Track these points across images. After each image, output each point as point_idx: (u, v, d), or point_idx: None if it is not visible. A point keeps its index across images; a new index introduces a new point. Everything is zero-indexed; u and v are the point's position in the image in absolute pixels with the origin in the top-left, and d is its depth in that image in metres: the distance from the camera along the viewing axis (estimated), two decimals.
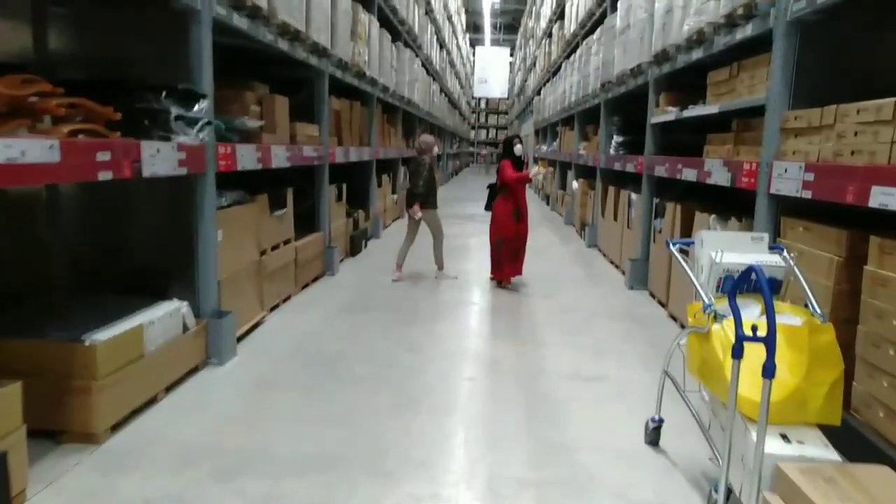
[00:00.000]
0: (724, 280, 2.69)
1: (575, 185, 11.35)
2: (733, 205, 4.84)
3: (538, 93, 20.68)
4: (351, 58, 7.53)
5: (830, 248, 3.05)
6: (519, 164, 6.37)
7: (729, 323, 2.34)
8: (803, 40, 3.54)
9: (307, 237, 6.31)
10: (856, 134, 2.86)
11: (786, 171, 3.43)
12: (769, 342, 2.07)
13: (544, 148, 18.02)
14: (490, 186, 6.56)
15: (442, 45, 20.16)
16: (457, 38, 26.45)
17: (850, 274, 2.94)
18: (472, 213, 13.67)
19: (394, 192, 11.85)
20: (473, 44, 40.37)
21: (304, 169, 6.39)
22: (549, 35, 18.03)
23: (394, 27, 10.74)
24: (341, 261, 7.58)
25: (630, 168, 6.81)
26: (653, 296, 6.21)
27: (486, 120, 45.90)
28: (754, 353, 2.14)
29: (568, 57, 13.16)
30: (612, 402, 3.66)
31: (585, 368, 4.19)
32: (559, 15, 15.66)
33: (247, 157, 4.38)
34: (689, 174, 4.95)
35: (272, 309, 5.35)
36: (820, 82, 3.59)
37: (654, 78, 6.28)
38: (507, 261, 6.40)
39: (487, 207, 6.54)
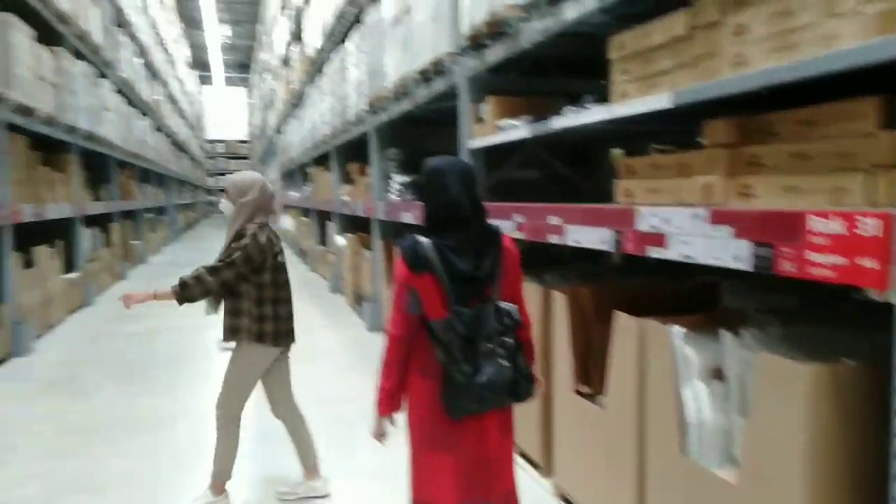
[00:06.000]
0: None
1: (340, 241, 8.60)
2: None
3: (279, 131, 17.74)
4: None
5: None
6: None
7: None
8: None
9: None
10: None
11: None
12: None
13: (294, 195, 15.06)
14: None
15: (154, 73, 16.17)
16: (177, 71, 22.34)
17: None
18: None
19: (71, 269, 7.88)
20: (204, 82, 35.95)
21: None
22: (287, 62, 15.30)
23: (44, 23, 7.00)
24: None
25: None
26: None
27: (227, 165, 41.31)
28: None
29: (314, 80, 10.51)
30: None
31: None
32: (296, 35, 13.02)
33: None
34: (590, 238, 2.48)
35: None
36: None
37: (472, 75, 3.83)
38: None
39: None
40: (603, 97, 2.58)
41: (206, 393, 4.63)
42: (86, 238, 8.64)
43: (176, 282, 2.65)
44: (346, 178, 8.59)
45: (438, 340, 1.90)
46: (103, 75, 9.94)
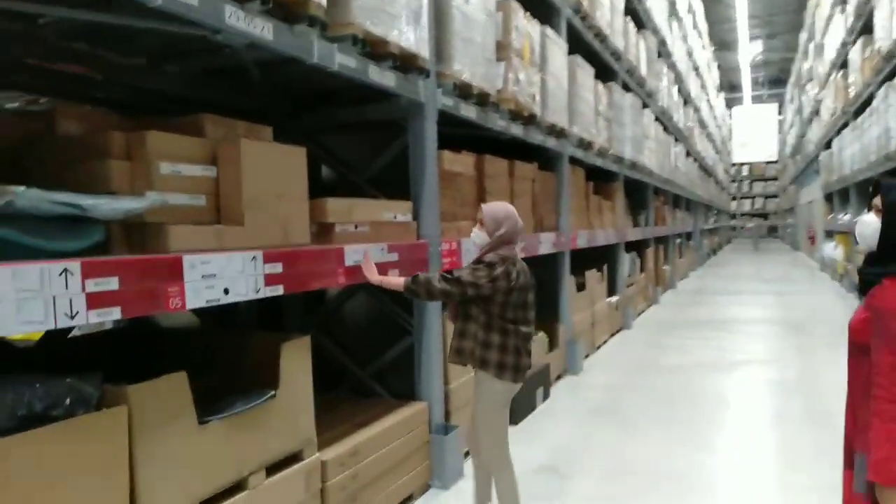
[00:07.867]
0: None
1: None
2: None
3: (827, 145, 15.41)
4: (503, 86, 4.42)
5: None
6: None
7: None
8: None
9: (378, 423, 3.11)
10: None
11: None
12: None
13: (845, 218, 12.74)
14: None
15: (686, 99, 16.20)
16: (707, 95, 22.06)
17: None
18: (736, 315, 9.24)
19: (612, 293, 8.21)
20: (730, 104, 34.92)
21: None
22: (843, 66, 13.11)
23: (601, 61, 7.46)
24: None
25: None
26: None
27: (751, 188, 39.23)
28: None
29: (891, 78, 8.49)
30: None
31: None
32: (861, 30, 10.94)
33: None
34: None
35: None
36: None
37: None
38: None
39: None
40: None
41: (755, 449, 3.84)
42: (625, 263, 8.93)
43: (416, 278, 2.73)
44: None
45: None
46: (645, 105, 10.23)
